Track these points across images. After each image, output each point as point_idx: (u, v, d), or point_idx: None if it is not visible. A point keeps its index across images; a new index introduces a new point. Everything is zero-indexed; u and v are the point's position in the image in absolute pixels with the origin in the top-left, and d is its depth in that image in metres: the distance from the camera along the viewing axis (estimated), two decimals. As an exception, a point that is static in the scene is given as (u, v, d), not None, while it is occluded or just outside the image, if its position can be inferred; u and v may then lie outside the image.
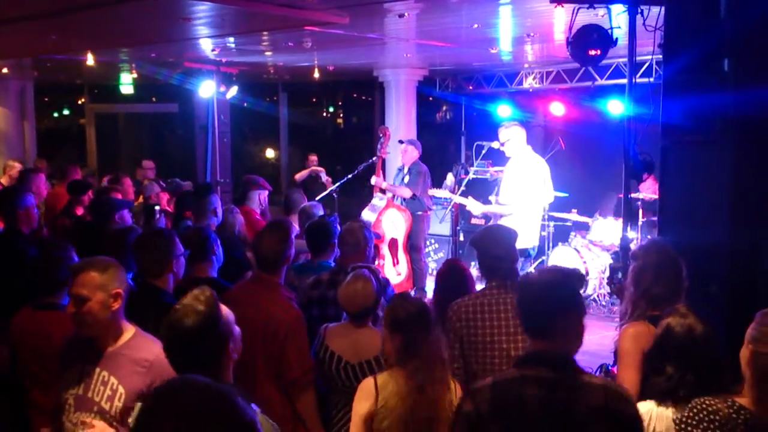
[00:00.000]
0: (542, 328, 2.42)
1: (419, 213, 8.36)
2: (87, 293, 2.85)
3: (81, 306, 2.85)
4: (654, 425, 2.76)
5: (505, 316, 3.58)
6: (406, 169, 8.47)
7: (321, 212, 5.99)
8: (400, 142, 8.57)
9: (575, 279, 2.55)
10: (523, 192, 6.88)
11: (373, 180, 8.37)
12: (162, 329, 2.52)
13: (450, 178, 11.42)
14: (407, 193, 8.30)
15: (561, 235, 9.25)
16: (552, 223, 9.18)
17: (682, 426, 2.58)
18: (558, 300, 2.42)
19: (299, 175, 11.21)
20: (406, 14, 6.29)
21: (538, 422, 2.32)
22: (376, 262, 7.84)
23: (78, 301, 2.86)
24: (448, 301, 3.92)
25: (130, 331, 2.99)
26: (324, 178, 10.78)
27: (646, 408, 2.78)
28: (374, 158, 8.55)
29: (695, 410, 2.56)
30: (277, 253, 3.80)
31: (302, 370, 3.52)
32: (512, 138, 6.98)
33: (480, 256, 3.85)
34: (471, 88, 12.25)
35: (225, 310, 2.55)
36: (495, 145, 7.42)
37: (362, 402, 3.06)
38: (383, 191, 8.38)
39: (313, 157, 11.46)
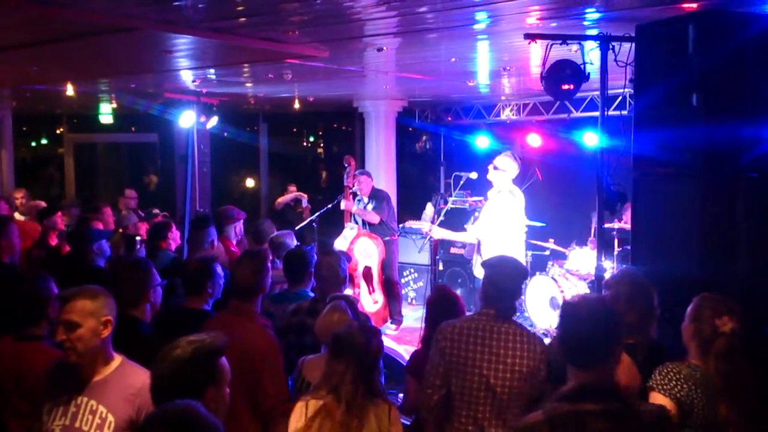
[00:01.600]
0: (592, 360, 2.46)
1: (387, 238, 8.47)
2: (78, 319, 2.89)
3: (71, 332, 2.88)
4: None
5: (489, 343, 3.55)
6: (366, 199, 8.59)
7: (293, 240, 6.03)
8: (354, 176, 8.62)
9: (611, 309, 2.62)
10: (516, 222, 6.95)
11: (343, 204, 8.47)
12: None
13: (429, 209, 11.50)
14: (375, 218, 8.43)
15: (539, 264, 9.34)
16: (530, 252, 9.26)
17: (655, 386, 3.04)
18: (608, 332, 2.49)
19: (281, 199, 11.25)
20: (384, 48, 6.39)
21: None
22: (352, 291, 7.91)
23: (68, 327, 2.89)
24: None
25: (117, 360, 3.02)
26: (305, 203, 10.82)
27: None
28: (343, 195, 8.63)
29: (663, 372, 3.07)
30: (251, 282, 3.84)
31: (278, 399, 3.54)
32: (509, 170, 6.97)
33: (487, 282, 3.76)
34: (450, 119, 12.41)
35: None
36: (473, 175, 7.52)
37: (291, 421, 3.18)
38: (351, 219, 8.48)
39: (293, 187, 11.52)
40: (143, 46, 5.67)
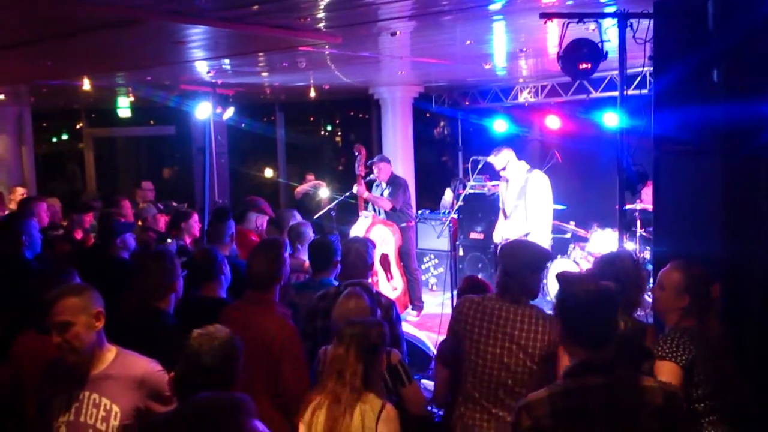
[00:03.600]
0: (595, 340, 2.52)
1: (404, 225, 8.45)
2: (70, 318, 2.89)
3: (66, 332, 2.88)
4: None
5: (504, 324, 3.52)
6: (384, 185, 8.57)
7: (309, 229, 6.03)
8: (371, 163, 8.61)
9: (613, 288, 2.68)
10: (547, 208, 7.09)
11: (355, 189, 8.45)
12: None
13: (448, 194, 11.46)
14: (388, 205, 8.41)
15: (560, 247, 9.26)
16: (551, 236, 9.19)
17: (665, 355, 3.13)
18: (610, 312, 2.56)
19: (300, 188, 11.26)
20: (398, 33, 6.33)
21: (601, 427, 2.40)
22: (370, 279, 7.90)
23: (61, 328, 2.89)
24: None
25: (112, 351, 3.04)
26: (324, 194, 10.79)
27: None
28: (370, 177, 8.63)
29: (669, 340, 3.19)
30: (267, 272, 3.83)
31: (299, 388, 3.52)
32: (509, 160, 7.19)
33: (502, 268, 3.71)
34: (467, 103, 12.30)
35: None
36: (491, 159, 7.52)
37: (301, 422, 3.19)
38: (366, 207, 8.47)
39: (311, 176, 11.53)
40: (154, 38, 5.66)
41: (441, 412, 4.20)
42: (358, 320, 3.32)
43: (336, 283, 4.85)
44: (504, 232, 7.60)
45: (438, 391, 4.08)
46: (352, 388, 3.07)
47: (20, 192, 9.70)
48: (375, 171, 8.56)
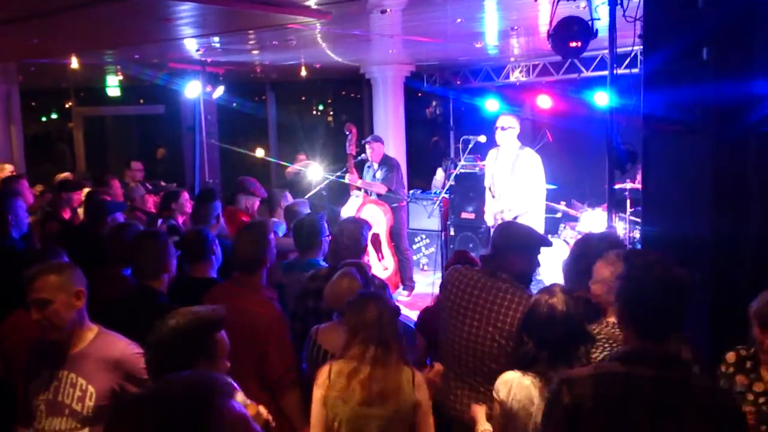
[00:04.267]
0: (653, 331, 2.33)
1: (395, 205, 8.44)
2: (48, 296, 2.88)
3: (45, 309, 2.87)
4: (515, 393, 2.98)
5: (479, 295, 3.59)
6: (376, 165, 8.54)
7: (307, 209, 6.00)
8: (365, 142, 8.58)
9: (684, 271, 2.43)
10: (540, 187, 7.03)
11: (347, 178, 8.42)
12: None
13: (440, 174, 11.45)
14: (382, 189, 8.39)
15: (550, 227, 9.26)
16: (543, 215, 9.20)
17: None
18: (676, 304, 2.35)
19: (291, 169, 11.22)
20: (388, 10, 6.27)
21: (645, 423, 2.25)
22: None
23: (41, 305, 2.88)
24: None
25: (93, 330, 3.02)
26: (316, 174, 10.73)
27: (510, 377, 3.03)
28: (361, 156, 8.60)
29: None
30: (251, 254, 3.82)
31: (284, 369, 3.53)
32: (515, 127, 7.15)
33: (491, 246, 3.78)
34: (458, 82, 12.25)
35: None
36: (481, 138, 7.49)
37: (317, 389, 3.14)
38: (358, 188, 8.46)
39: (302, 156, 11.49)
40: (141, 15, 5.59)
41: None
42: (374, 292, 3.35)
43: (323, 264, 4.83)
44: (496, 211, 7.49)
45: (415, 357, 4.20)
46: (399, 350, 3.10)
47: (8, 169, 9.61)
48: (368, 150, 8.53)
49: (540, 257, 3.79)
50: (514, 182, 7.12)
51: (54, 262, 3.04)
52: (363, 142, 8.58)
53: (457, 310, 3.62)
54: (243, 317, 3.55)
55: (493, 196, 7.53)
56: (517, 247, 3.66)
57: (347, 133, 8.52)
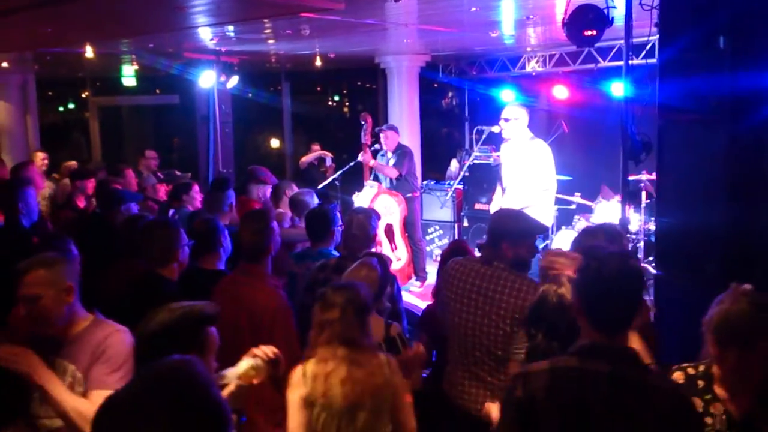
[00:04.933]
0: (610, 324, 2.32)
1: (409, 195, 8.42)
2: (38, 291, 2.82)
3: (34, 305, 2.82)
4: None
5: (479, 284, 3.61)
6: (389, 154, 8.52)
7: (313, 199, 5.99)
8: (379, 130, 8.56)
9: (638, 265, 2.46)
10: (548, 175, 6.88)
11: (361, 157, 8.43)
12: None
13: (454, 165, 11.40)
14: (393, 172, 8.36)
15: (565, 218, 9.20)
16: (556, 207, 9.13)
17: None
18: (629, 296, 2.34)
19: (305, 159, 11.22)
20: (402, -1, 6.22)
21: (597, 417, 2.22)
22: (374, 249, 7.89)
23: (29, 301, 2.83)
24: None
25: (88, 319, 2.98)
26: (329, 162, 10.79)
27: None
28: (375, 146, 8.60)
29: None
30: (255, 243, 3.81)
31: (290, 360, 3.50)
32: (521, 118, 6.91)
33: (488, 235, 3.81)
34: (474, 72, 12.16)
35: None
36: (495, 129, 7.37)
37: (293, 391, 3.08)
38: (371, 176, 8.46)
39: (316, 146, 11.45)
40: (153, 3, 5.57)
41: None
42: (344, 284, 3.26)
43: (335, 253, 4.83)
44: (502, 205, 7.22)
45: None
46: (365, 346, 3.03)
47: (41, 157, 9.67)
48: (382, 138, 8.52)
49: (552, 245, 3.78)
50: (521, 175, 6.91)
51: (46, 256, 2.97)
52: (377, 130, 8.56)
53: (461, 302, 3.65)
54: (249, 306, 3.55)
55: (503, 192, 7.29)
56: (509, 234, 3.67)
57: (362, 122, 8.55)
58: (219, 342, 2.50)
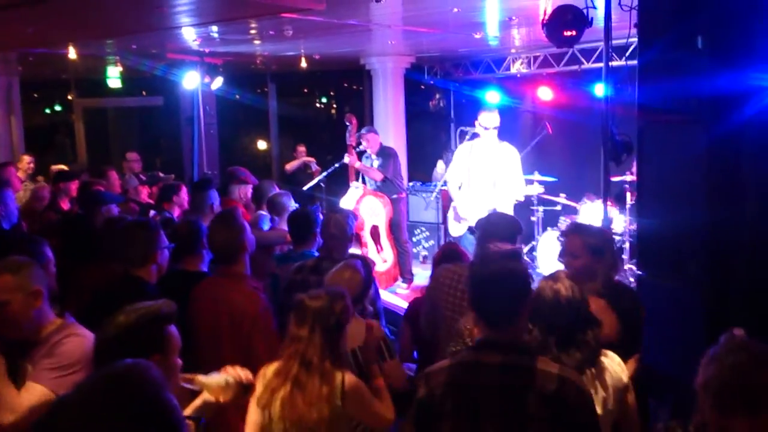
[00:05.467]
0: (498, 318, 2.47)
1: (394, 196, 8.42)
2: (5, 297, 2.79)
3: (1, 310, 2.79)
4: None
5: (462, 290, 3.65)
6: (374, 156, 8.51)
7: (290, 200, 5.98)
8: (359, 135, 8.57)
9: (522, 262, 2.62)
10: (520, 179, 6.94)
11: (346, 158, 8.43)
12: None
13: (441, 166, 11.39)
14: (378, 175, 8.37)
15: (550, 219, 9.22)
16: (541, 208, 9.16)
17: None
18: (512, 291, 2.47)
19: (290, 165, 11.23)
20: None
21: (490, 405, 2.35)
22: (360, 251, 7.88)
23: None
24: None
25: (55, 323, 2.93)
26: (314, 167, 10.82)
27: None
28: (360, 147, 8.59)
29: None
30: (226, 243, 3.78)
31: (270, 360, 3.49)
32: (496, 123, 7.01)
33: (479, 239, 3.90)
34: (459, 74, 12.18)
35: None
36: (486, 116, 7.29)
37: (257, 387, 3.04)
38: (357, 178, 8.45)
39: (302, 148, 11.46)
40: (135, 2, 5.54)
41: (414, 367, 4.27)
42: (319, 292, 3.16)
43: (317, 255, 4.82)
44: (473, 207, 7.06)
45: (403, 347, 4.29)
46: (322, 373, 2.93)
47: (27, 161, 9.60)
48: (363, 143, 8.52)
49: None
50: (495, 177, 6.92)
51: (13, 260, 2.92)
52: (358, 134, 8.56)
53: (453, 309, 3.68)
54: (228, 308, 3.53)
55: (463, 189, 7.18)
56: (495, 234, 3.77)
57: (347, 123, 8.55)
58: (180, 341, 2.47)
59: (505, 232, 3.91)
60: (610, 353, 2.99)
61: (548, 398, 2.32)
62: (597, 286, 3.39)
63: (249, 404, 3.02)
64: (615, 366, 2.92)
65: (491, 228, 3.97)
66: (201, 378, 2.61)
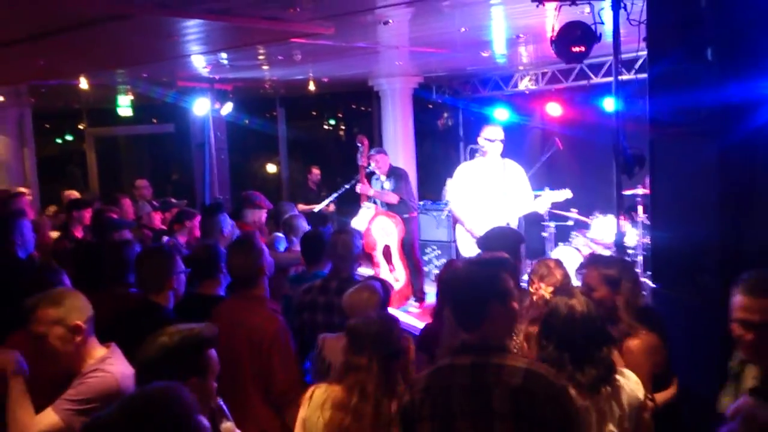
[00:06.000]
0: (468, 320, 2.55)
1: (406, 216, 8.41)
2: (43, 330, 2.77)
3: (41, 343, 2.78)
4: None
5: None
6: (383, 177, 8.52)
7: (303, 221, 6.01)
8: (369, 155, 8.57)
9: (496, 266, 2.71)
10: (529, 194, 6.90)
11: (359, 188, 8.44)
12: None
13: (450, 184, 11.39)
14: (394, 198, 8.37)
15: (562, 235, 9.20)
16: (553, 224, 9.14)
17: None
18: (477, 291, 2.54)
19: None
20: (390, 21, 6.26)
21: (462, 405, 2.43)
22: (373, 271, 7.88)
23: (36, 338, 2.78)
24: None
25: (95, 356, 2.89)
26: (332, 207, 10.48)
27: None
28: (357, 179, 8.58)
29: None
30: (246, 268, 3.79)
31: (289, 382, 3.50)
32: (502, 137, 6.95)
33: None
34: (467, 92, 12.21)
35: None
36: (491, 130, 7.23)
37: (301, 408, 3.02)
38: (369, 199, 8.46)
39: (316, 170, 11.36)
40: (146, 33, 5.62)
41: None
42: (375, 319, 3.07)
43: (327, 274, 4.82)
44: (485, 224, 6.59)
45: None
46: (377, 404, 2.85)
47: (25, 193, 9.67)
48: (373, 164, 8.54)
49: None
50: (505, 188, 6.84)
51: (57, 291, 2.91)
52: (369, 155, 8.58)
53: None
54: (247, 331, 3.53)
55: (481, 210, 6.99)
56: (496, 250, 3.79)
57: (359, 144, 8.57)
58: (218, 365, 2.47)
59: (506, 245, 3.96)
60: (626, 371, 2.98)
61: (515, 393, 2.36)
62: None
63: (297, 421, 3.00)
64: (632, 384, 2.91)
65: (490, 243, 4.03)
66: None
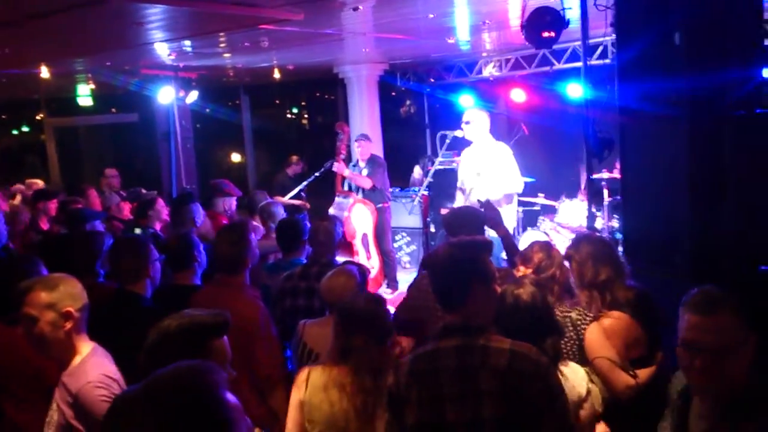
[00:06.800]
0: (450, 302, 2.57)
1: (380, 205, 8.46)
2: (35, 313, 2.72)
3: (31, 327, 2.73)
4: None
5: None
6: (362, 164, 8.55)
7: (280, 209, 6.01)
8: (356, 139, 8.64)
9: (477, 248, 2.70)
10: (513, 176, 6.92)
11: (335, 167, 8.43)
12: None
13: (417, 171, 11.45)
14: (368, 183, 8.40)
15: (529, 219, 9.32)
16: (521, 208, 9.24)
17: None
18: (459, 272, 2.56)
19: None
20: (360, 7, 6.26)
21: (450, 387, 2.44)
22: (351, 258, 7.90)
23: (27, 321, 2.74)
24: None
25: (80, 354, 2.81)
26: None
27: None
28: (333, 160, 8.57)
29: None
30: (232, 255, 3.80)
31: (272, 367, 3.52)
32: (474, 120, 7.01)
33: (447, 234, 4.02)
34: (432, 79, 12.26)
35: None
36: (459, 133, 7.41)
37: (294, 392, 3.03)
38: (343, 186, 8.48)
39: (295, 157, 11.17)
40: (113, 20, 5.53)
41: None
42: (363, 300, 3.10)
43: (305, 262, 4.84)
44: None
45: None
46: (376, 375, 2.88)
47: (40, 184, 9.50)
48: (356, 148, 8.57)
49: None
50: (485, 177, 6.90)
51: (52, 277, 2.84)
52: (355, 140, 8.62)
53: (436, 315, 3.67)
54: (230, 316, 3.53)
55: (465, 195, 7.20)
56: (462, 228, 3.87)
57: (338, 131, 8.57)
58: (230, 355, 2.38)
59: (471, 224, 4.01)
60: (573, 365, 3.02)
61: (501, 373, 2.39)
62: (617, 298, 3.40)
63: (289, 410, 3.01)
64: (577, 379, 2.94)
65: (456, 222, 4.06)
66: None
